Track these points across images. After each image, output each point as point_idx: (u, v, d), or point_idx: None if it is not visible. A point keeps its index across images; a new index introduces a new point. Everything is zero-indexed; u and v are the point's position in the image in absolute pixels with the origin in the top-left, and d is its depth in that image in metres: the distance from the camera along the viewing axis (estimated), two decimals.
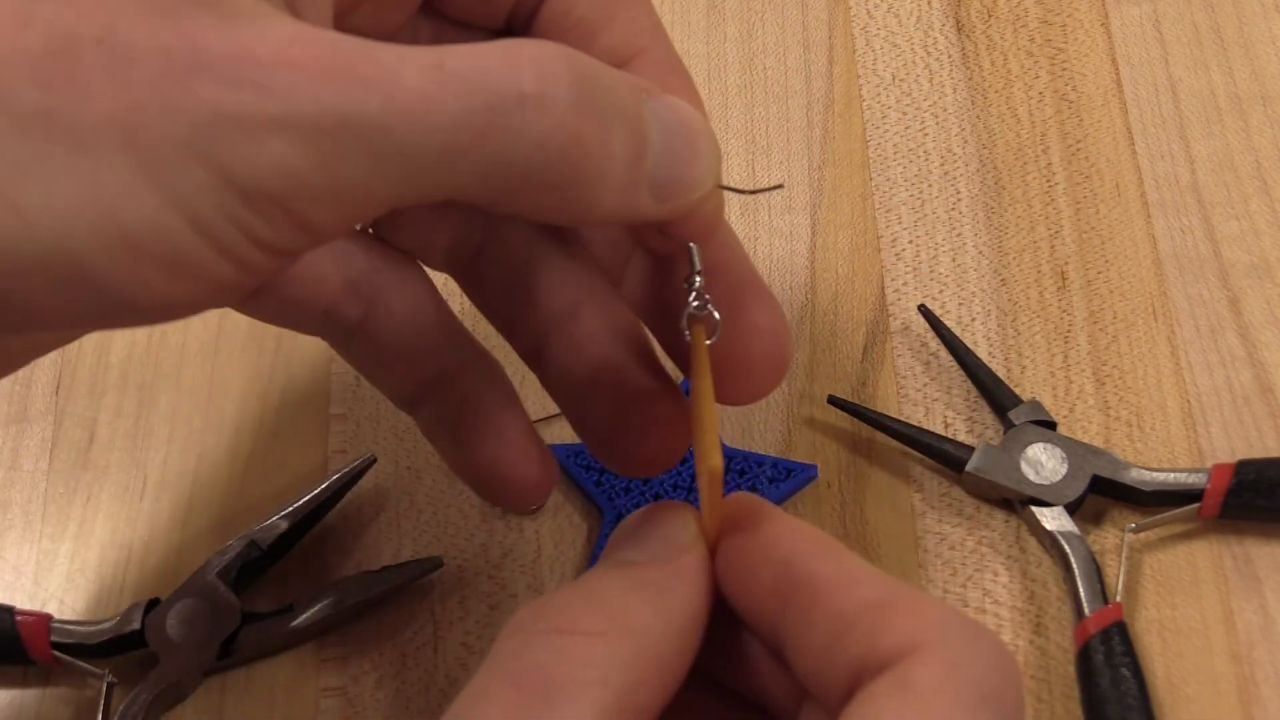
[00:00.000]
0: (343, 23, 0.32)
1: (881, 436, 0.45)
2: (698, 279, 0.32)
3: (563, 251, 0.35)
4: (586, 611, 0.31)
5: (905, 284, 0.47)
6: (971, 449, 0.43)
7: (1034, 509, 0.42)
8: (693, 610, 0.32)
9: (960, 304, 0.47)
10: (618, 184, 0.29)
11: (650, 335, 0.36)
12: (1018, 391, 0.45)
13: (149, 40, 0.25)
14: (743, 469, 0.43)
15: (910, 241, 0.48)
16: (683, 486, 0.43)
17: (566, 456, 0.44)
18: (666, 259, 0.35)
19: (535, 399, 0.46)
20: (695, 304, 0.32)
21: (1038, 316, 0.46)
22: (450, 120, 0.26)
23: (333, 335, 0.36)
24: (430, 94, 0.26)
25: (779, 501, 0.43)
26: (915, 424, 0.45)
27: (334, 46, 0.26)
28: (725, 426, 0.45)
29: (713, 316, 0.33)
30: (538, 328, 0.36)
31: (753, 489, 0.43)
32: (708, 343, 0.32)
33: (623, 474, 0.36)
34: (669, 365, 0.35)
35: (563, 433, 0.45)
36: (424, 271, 0.36)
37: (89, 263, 0.25)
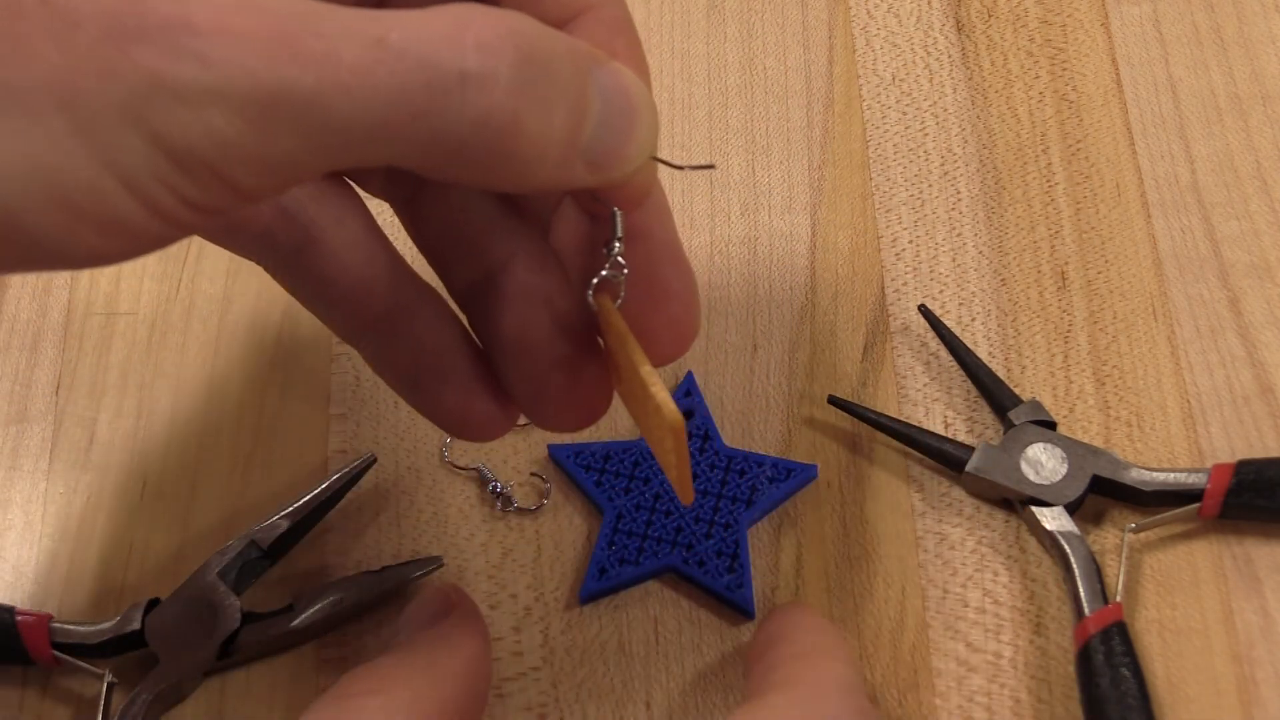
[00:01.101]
0: None
1: (881, 436, 0.45)
2: (617, 244, 0.33)
3: (500, 198, 0.36)
4: (360, 679, 0.35)
5: (905, 284, 0.47)
6: (971, 449, 0.43)
7: (1034, 509, 0.42)
8: (459, 666, 0.36)
9: (960, 304, 0.47)
10: (552, 159, 0.29)
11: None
12: (1018, 391, 0.45)
13: (91, 4, 0.25)
14: (743, 469, 0.43)
15: (910, 241, 0.48)
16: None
17: (566, 456, 0.44)
18: (596, 215, 0.36)
19: None
20: (607, 271, 0.33)
21: (1038, 316, 0.46)
22: (385, 97, 0.27)
23: (269, 262, 0.36)
24: (367, 70, 0.26)
25: (779, 501, 0.43)
26: (915, 424, 0.45)
27: (275, 16, 0.26)
28: (725, 427, 0.45)
29: (617, 281, 0.34)
30: (469, 273, 0.36)
31: (752, 489, 0.43)
32: (617, 305, 0.34)
33: (545, 428, 0.37)
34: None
35: (562, 438, 0.45)
36: (363, 204, 0.36)
37: (23, 217, 0.26)
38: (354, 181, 0.37)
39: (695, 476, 0.43)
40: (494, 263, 0.35)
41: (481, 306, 0.36)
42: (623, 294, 0.34)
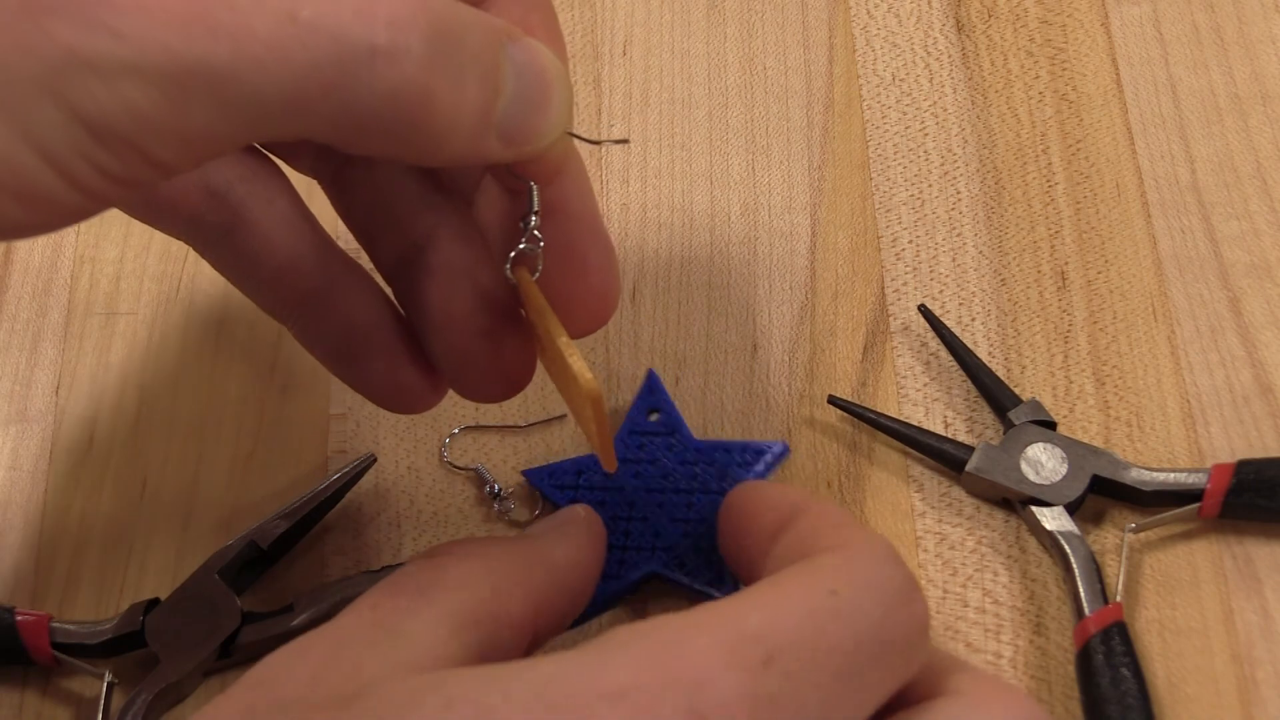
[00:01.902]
0: None
1: (881, 436, 0.45)
2: (534, 218, 0.34)
3: (424, 174, 0.36)
4: (461, 543, 0.35)
5: (905, 284, 0.47)
6: (971, 449, 0.43)
7: (1034, 509, 0.42)
8: (566, 556, 0.36)
9: (960, 304, 0.47)
10: (465, 132, 0.30)
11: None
12: (1018, 391, 0.45)
13: None
14: (711, 459, 0.43)
15: (910, 241, 0.48)
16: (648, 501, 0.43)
17: (541, 479, 0.43)
18: (515, 191, 0.36)
19: (539, 401, 0.46)
20: (523, 245, 0.34)
21: (1038, 316, 0.46)
22: (297, 71, 0.27)
23: (199, 242, 0.37)
24: (280, 44, 0.27)
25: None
26: (915, 424, 0.45)
27: None
28: (725, 426, 0.45)
29: (534, 254, 0.34)
30: (395, 248, 0.37)
31: (722, 477, 0.42)
32: (534, 278, 0.35)
33: (470, 399, 0.38)
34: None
35: (561, 438, 0.45)
36: (290, 184, 0.37)
37: None
38: (281, 159, 0.37)
39: (667, 475, 0.42)
40: (418, 238, 0.36)
41: (406, 281, 0.37)
42: (540, 267, 0.35)
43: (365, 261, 0.38)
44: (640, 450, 0.42)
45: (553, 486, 0.43)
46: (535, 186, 0.34)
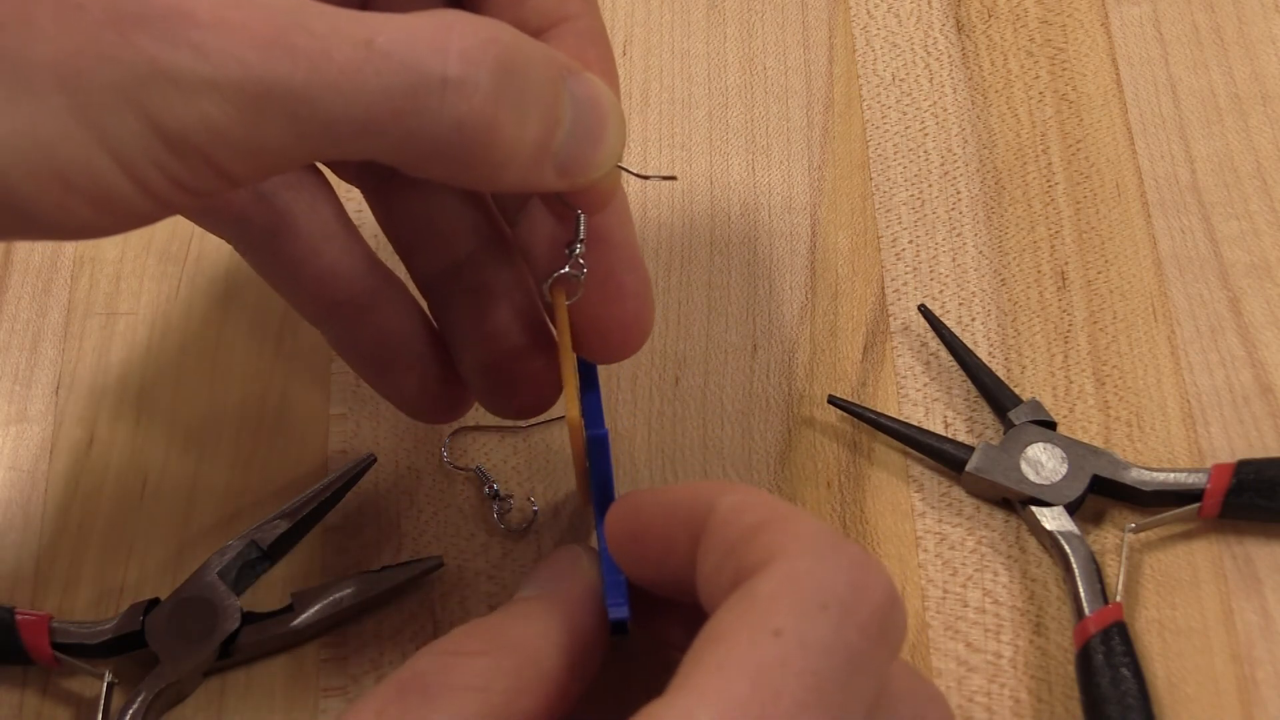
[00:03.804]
0: None
1: (881, 436, 0.45)
2: (579, 246, 0.35)
3: (470, 193, 0.37)
4: (472, 636, 0.34)
5: (905, 284, 0.47)
6: (971, 449, 0.43)
7: (1034, 509, 0.42)
8: (576, 631, 0.35)
9: (960, 304, 0.47)
10: (524, 162, 0.30)
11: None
12: (1018, 391, 0.45)
13: None
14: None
15: (910, 241, 0.48)
16: None
17: None
18: (561, 216, 0.37)
19: None
20: (567, 270, 0.35)
21: (1038, 316, 0.46)
22: (372, 97, 0.28)
23: (243, 244, 0.37)
24: (355, 69, 0.28)
25: (604, 473, 0.38)
26: (915, 424, 0.45)
27: (270, 12, 0.28)
28: (725, 427, 0.45)
29: (576, 280, 0.35)
30: (434, 263, 0.38)
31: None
32: (567, 303, 0.35)
33: (495, 414, 0.38)
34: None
35: (561, 439, 0.45)
36: (335, 193, 0.37)
37: (19, 187, 0.27)
38: (328, 167, 0.38)
39: (597, 486, 0.38)
40: (459, 254, 0.37)
41: (443, 295, 0.38)
42: (580, 292, 0.35)
43: (402, 273, 0.39)
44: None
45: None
46: (583, 215, 0.35)
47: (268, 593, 0.43)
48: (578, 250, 0.35)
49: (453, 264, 0.37)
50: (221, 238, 0.38)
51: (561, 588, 0.36)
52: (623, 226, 0.37)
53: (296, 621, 0.41)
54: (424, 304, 0.39)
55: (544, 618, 0.35)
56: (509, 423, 0.45)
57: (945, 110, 0.50)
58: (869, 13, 0.52)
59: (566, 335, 0.35)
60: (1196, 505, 0.42)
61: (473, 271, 0.37)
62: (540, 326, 0.37)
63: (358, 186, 0.39)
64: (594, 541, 0.38)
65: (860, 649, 0.28)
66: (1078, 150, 0.49)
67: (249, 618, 0.41)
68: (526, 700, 0.32)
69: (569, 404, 0.34)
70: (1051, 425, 0.44)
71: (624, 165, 0.34)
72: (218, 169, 0.28)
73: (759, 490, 0.33)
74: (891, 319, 0.47)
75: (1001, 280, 0.47)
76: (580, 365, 0.39)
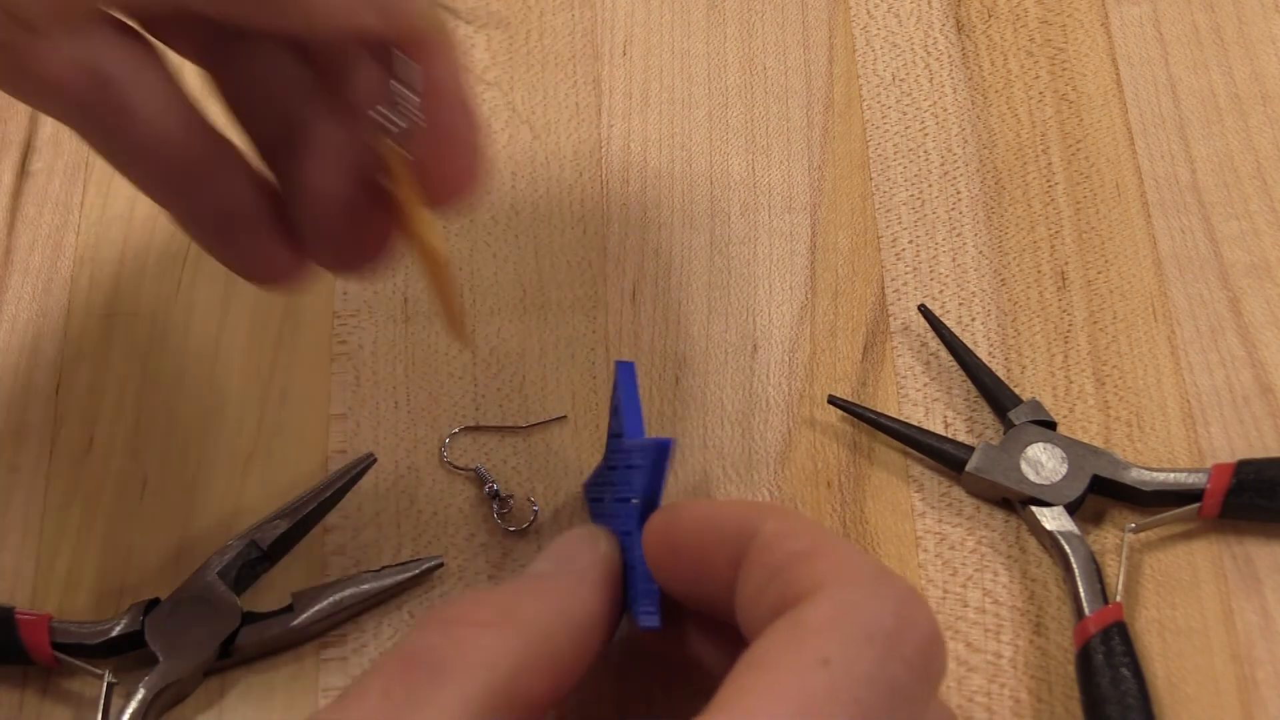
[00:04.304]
0: None
1: (881, 436, 0.45)
2: (409, 94, 0.34)
3: (300, 56, 0.37)
4: (482, 606, 0.33)
5: (905, 284, 0.47)
6: (971, 449, 0.43)
7: (1034, 509, 0.42)
8: (590, 612, 0.34)
9: (960, 304, 0.47)
10: (341, 1, 0.30)
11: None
12: (1018, 391, 0.45)
13: None
14: (629, 463, 0.38)
15: (910, 241, 0.48)
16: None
17: (586, 490, 0.43)
18: (390, 68, 0.36)
19: (539, 402, 0.46)
20: (393, 118, 0.35)
21: (1038, 316, 0.46)
22: None
23: (79, 122, 0.36)
24: None
25: (656, 485, 0.38)
26: (915, 424, 0.45)
27: None
28: (725, 426, 0.45)
29: (404, 129, 0.35)
30: (271, 129, 0.37)
31: (627, 481, 0.38)
32: (408, 157, 0.35)
33: (331, 271, 0.38)
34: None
35: (561, 439, 0.45)
36: (166, 66, 0.37)
37: None
38: (162, 41, 0.37)
39: (614, 484, 0.39)
40: (293, 117, 0.37)
41: (283, 160, 0.37)
42: (409, 141, 0.35)
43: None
44: (610, 455, 0.40)
45: (590, 499, 0.42)
46: (408, 61, 0.34)
47: (268, 593, 0.43)
48: (404, 97, 0.34)
49: (289, 127, 0.37)
50: (59, 119, 0.37)
51: (578, 568, 0.35)
52: (452, 73, 0.36)
53: (296, 621, 0.41)
54: (268, 174, 0.38)
55: (558, 597, 0.34)
56: (509, 423, 0.45)
57: (945, 110, 0.50)
58: (869, 13, 0.52)
59: (405, 177, 0.35)
60: (1196, 505, 0.42)
61: (308, 131, 0.36)
62: (375, 180, 0.37)
63: (192, 60, 0.38)
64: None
65: (904, 682, 0.28)
66: (1078, 150, 0.49)
67: (249, 618, 0.41)
68: (532, 680, 0.32)
69: (423, 227, 0.35)
70: (1051, 425, 0.44)
71: (445, 4, 0.33)
72: (13, 16, 0.28)
73: (802, 515, 0.34)
74: (891, 319, 0.47)
75: (1001, 280, 0.47)
76: (620, 372, 0.39)
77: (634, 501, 0.37)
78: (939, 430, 0.45)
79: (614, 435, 0.40)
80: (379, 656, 0.33)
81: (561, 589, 0.35)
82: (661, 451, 0.36)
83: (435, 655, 0.31)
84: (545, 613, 0.33)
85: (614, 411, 0.40)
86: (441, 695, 0.30)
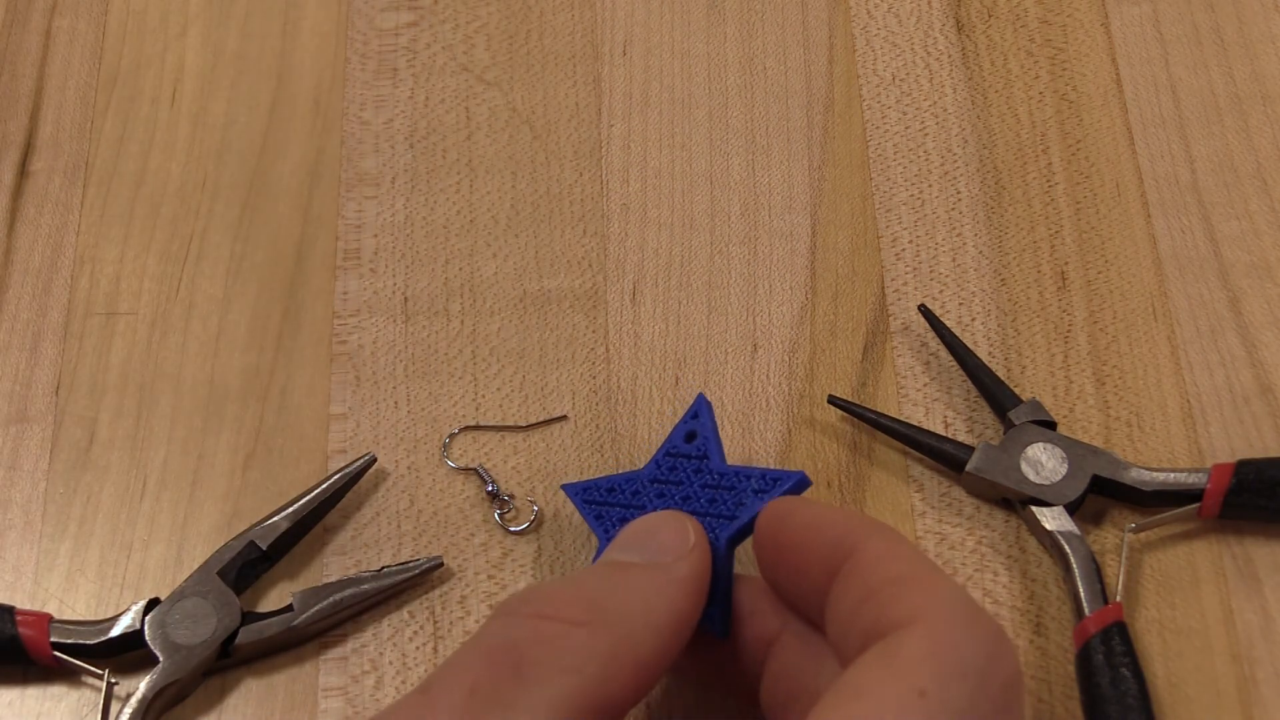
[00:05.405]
0: None
1: (881, 436, 0.45)
2: None
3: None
4: (571, 601, 0.33)
5: (905, 284, 0.47)
6: (971, 449, 0.43)
7: (1034, 509, 0.42)
8: (677, 613, 0.34)
9: (960, 304, 0.47)
10: None
11: None
12: (1018, 391, 0.45)
13: None
14: (731, 484, 0.40)
15: (910, 241, 0.48)
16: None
17: (576, 494, 0.43)
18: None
19: (539, 401, 0.46)
20: None
21: (1038, 316, 0.46)
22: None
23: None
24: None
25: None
26: (915, 424, 0.45)
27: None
28: (725, 426, 0.45)
29: None
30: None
31: (737, 503, 0.39)
32: None
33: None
34: None
35: (561, 438, 0.45)
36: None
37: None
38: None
39: (688, 498, 0.40)
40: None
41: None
42: None
43: None
44: (670, 472, 0.41)
45: (584, 502, 0.41)
46: None
47: (268, 593, 0.43)
48: None
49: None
50: None
51: (666, 561, 0.35)
52: None
53: (296, 621, 0.41)
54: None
55: (646, 593, 0.34)
56: (509, 422, 0.45)
57: (945, 110, 0.50)
58: (869, 13, 0.52)
59: None
60: (1196, 505, 0.42)
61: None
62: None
63: None
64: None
65: (990, 717, 0.30)
66: (1078, 150, 0.49)
67: (249, 618, 0.41)
68: (615, 686, 0.32)
69: None
70: (1051, 425, 0.44)
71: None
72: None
73: (902, 537, 0.34)
74: (891, 319, 0.47)
75: (1001, 280, 0.47)
76: (700, 404, 0.41)
77: (736, 521, 0.38)
78: (939, 430, 0.45)
79: (695, 457, 0.41)
80: (462, 644, 0.32)
81: (650, 587, 0.34)
82: (800, 485, 0.38)
83: (522, 653, 0.31)
84: (633, 613, 0.33)
85: (691, 435, 0.41)
86: (528, 697, 0.30)
